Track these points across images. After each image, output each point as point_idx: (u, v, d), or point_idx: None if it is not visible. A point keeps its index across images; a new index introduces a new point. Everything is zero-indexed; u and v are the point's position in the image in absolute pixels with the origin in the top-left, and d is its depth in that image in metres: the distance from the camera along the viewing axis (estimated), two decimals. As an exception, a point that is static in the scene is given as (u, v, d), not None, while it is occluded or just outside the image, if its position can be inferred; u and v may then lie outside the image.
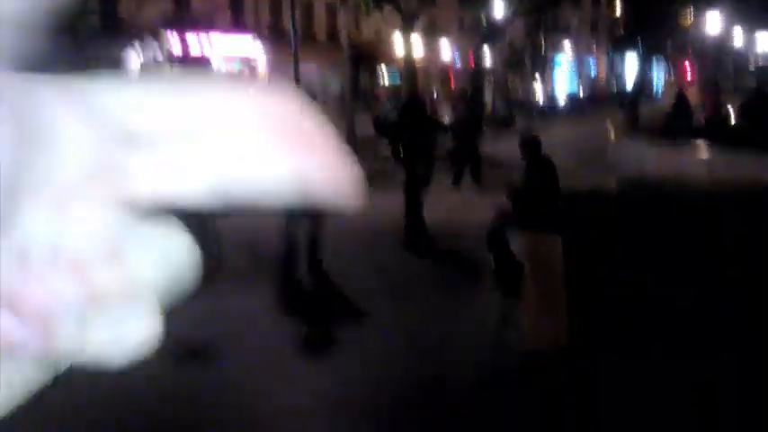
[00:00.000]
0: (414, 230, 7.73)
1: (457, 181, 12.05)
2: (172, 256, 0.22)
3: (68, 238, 0.21)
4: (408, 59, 18.67)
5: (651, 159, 11.97)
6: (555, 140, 16.59)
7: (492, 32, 20.36)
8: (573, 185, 6.27)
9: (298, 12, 33.11)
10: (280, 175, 0.21)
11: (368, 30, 34.41)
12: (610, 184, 6.07)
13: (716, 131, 12.74)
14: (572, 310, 4.95)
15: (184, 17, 25.25)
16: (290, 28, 9.69)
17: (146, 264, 0.22)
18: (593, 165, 12.63)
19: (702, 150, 11.84)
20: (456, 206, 9.71)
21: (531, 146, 5.85)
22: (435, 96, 31.45)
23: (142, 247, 0.22)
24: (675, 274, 5.06)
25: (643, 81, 27.53)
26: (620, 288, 5.07)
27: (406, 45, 18.34)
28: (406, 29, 17.78)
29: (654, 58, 30.15)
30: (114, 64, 22.64)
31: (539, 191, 5.57)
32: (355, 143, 11.94)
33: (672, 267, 5.15)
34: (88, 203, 0.21)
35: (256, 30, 27.80)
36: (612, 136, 14.20)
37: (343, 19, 12.06)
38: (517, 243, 5.50)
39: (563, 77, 53.43)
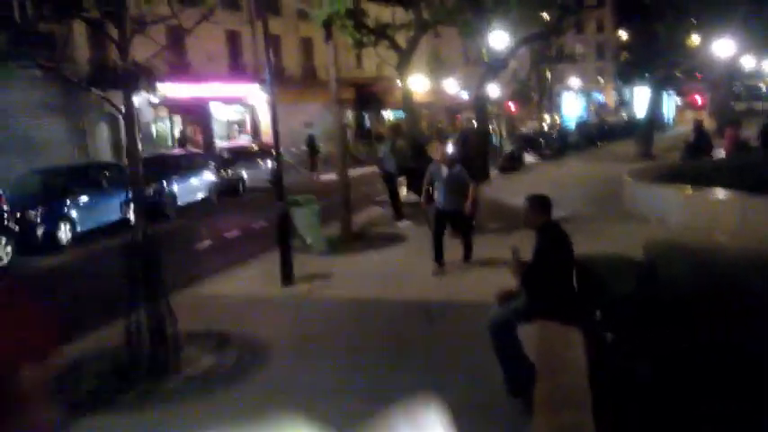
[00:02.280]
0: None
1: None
2: None
3: None
4: (407, 97, 17.88)
5: (680, 207, 10.89)
6: (566, 181, 15.60)
7: (495, 64, 19.56)
8: (590, 251, 5.26)
9: (298, 52, 32.95)
10: None
11: (370, 66, 34.00)
12: (635, 247, 5.12)
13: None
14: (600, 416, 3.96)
15: (182, 64, 24.76)
16: (267, 71, 8.63)
17: None
18: (614, 219, 11.55)
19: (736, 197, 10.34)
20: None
21: (539, 208, 4.86)
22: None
23: None
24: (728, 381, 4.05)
25: (654, 110, 26.54)
26: (660, 391, 4.09)
27: (404, 82, 17.53)
28: (403, 65, 16.99)
29: (663, 84, 29.19)
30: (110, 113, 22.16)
31: (549, 267, 4.62)
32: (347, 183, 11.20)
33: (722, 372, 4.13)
34: None
35: (254, 74, 27.29)
36: (628, 177, 13.00)
37: (329, 56, 11.20)
38: (525, 335, 4.57)
39: (571, 106, 52.84)
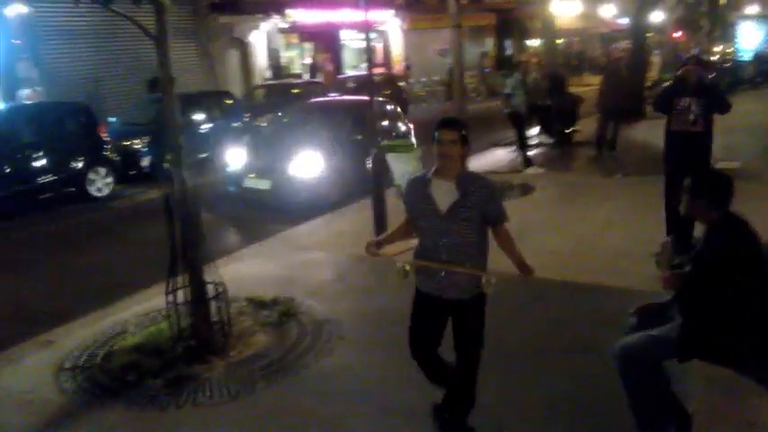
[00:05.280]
0: None
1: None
2: None
3: None
4: (547, 22, 15.65)
5: None
6: (736, 123, 12.62)
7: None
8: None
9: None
10: None
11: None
12: None
13: None
14: None
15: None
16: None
17: None
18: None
19: None
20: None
21: (712, 195, 3.12)
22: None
23: None
24: None
25: None
26: None
27: (545, 4, 15.29)
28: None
29: None
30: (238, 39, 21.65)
31: (725, 287, 2.92)
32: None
33: None
34: None
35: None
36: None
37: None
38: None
39: (747, 37, 46.05)
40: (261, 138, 11.61)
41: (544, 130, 13.43)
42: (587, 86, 17.91)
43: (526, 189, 9.76)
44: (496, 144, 13.51)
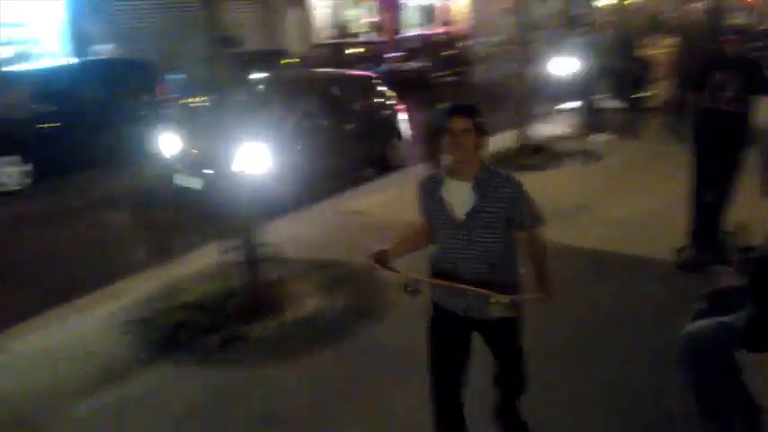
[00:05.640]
0: None
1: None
2: None
3: None
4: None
5: None
6: None
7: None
8: None
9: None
10: None
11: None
12: None
13: None
14: None
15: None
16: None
17: None
18: None
19: None
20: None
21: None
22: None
23: None
24: None
25: None
26: None
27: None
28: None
29: None
30: None
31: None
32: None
33: None
34: None
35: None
36: None
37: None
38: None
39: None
40: (200, 121, 9.20)
41: (614, 95, 12.88)
42: (662, 50, 17.05)
43: (591, 156, 9.41)
44: (561, 108, 13.05)
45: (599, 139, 10.54)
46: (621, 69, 12.24)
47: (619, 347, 4.23)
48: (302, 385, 4.07)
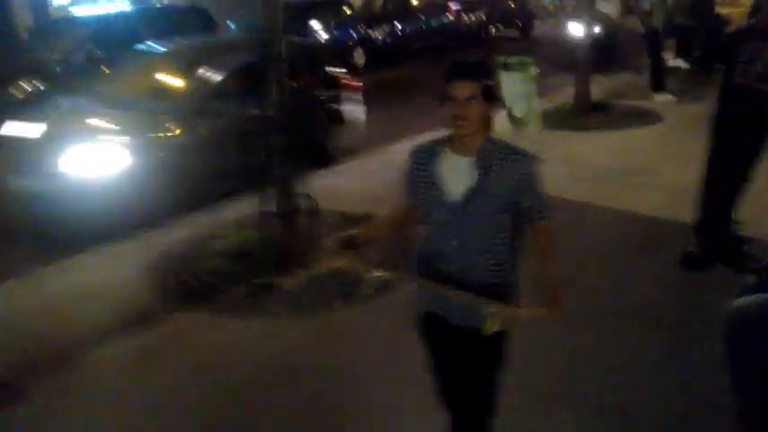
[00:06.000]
0: None
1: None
2: None
3: None
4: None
5: None
6: None
7: None
8: None
9: None
10: None
11: None
12: None
13: None
14: None
15: None
16: None
17: None
18: None
19: None
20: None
21: None
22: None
23: None
24: None
25: None
26: None
27: None
28: None
29: None
30: None
31: None
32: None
33: None
34: None
35: None
36: None
37: None
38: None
39: None
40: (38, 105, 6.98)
41: (682, 54, 12.14)
42: (740, 7, 15.97)
43: (652, 117, 8.94)
44: (626, 66, 12.41)
45: (663, 99, 9.98)
46: (694, 27, 11.49)
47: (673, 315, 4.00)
48: (325, 339, 4.02)
